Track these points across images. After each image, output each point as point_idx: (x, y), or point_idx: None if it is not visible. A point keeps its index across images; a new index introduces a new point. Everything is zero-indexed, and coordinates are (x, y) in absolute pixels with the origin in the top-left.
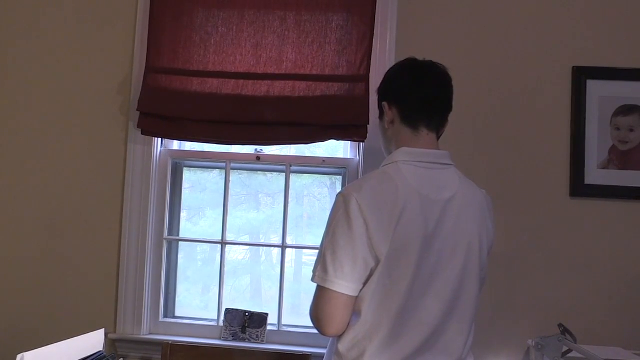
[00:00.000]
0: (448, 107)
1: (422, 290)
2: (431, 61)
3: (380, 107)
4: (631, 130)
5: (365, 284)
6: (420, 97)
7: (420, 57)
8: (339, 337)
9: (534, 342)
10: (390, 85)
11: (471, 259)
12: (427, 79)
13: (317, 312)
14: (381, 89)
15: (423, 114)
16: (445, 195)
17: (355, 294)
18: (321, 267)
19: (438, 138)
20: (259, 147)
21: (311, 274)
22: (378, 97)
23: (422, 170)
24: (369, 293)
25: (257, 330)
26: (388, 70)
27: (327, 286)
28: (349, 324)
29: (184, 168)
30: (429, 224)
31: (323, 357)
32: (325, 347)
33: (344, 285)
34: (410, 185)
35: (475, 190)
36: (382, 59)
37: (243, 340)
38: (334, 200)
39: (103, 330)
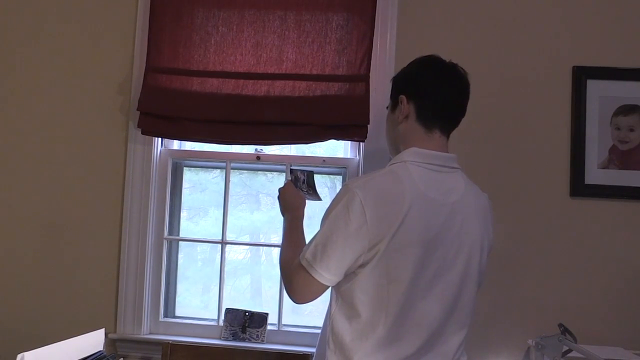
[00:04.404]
0: (463, 113)
1: (423, 293)
2: (455, 64)
3: (394, 98)
4: (631, 130)
5: (354, 278)
6: (441, 99)
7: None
8: (333, 333)
9: (534, 342)
10: (412, 80)
11: (472, 263)
12: (450, 82)
13: (293, 285)
14: (400, 80)
15: (440, 116)
16: (451, 199)
17: (332, 284)
18: (310, 253)
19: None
20: (259, 147)
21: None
22: (393, 87)
23: (430, 172)
24: (363, 289)
25: (257, 330)
26: (410, 63)
27: (309, 272)
28: (344, 320)
29: (184, 168)
30: (433, 228)
31: None
32: None
33: (326, 277)
34: (418, 187)
35: (479, 194)
36: (382, 59)
37: (243, 340)
38: (336, 195)
39: (103, 330)
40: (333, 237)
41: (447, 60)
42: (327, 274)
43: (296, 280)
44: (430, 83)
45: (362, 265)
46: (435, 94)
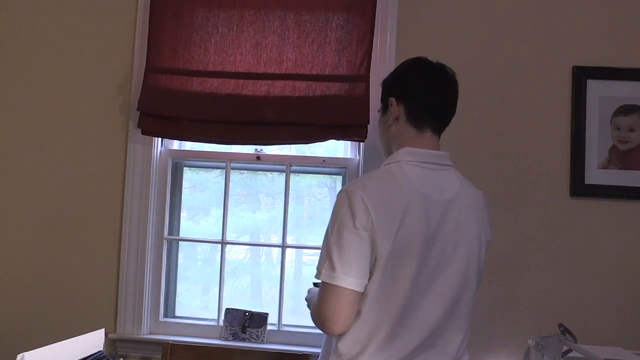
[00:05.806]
0: (454, 112)
1: (423, 290)
2: (442, 64)
3: (384, 101)
4: (631, 130)
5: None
6: (431, 100)
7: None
8: (339, 335)
9: (534, 342)
10: (401, 83)
11: (471, 259)
12: (439, 83)
13: (324, 310)
14: (389, 83)
15: (431, 116)
16: (447, 196)
17: (362, 290)
18: (328, 265)
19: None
20: (259, 147)
21: (315, 272)
22: (383, 90)
23: (424, 170)
24: (371, 292)
25: (257, 330)
26: (399, 66)
27: (335, 283)
28: None
29: (185, 168)
30: (431, 225)
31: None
32: None
33: (352, 281)
34: (414, 185)
35: (474, 191)
36: (382, 59)
37: (243, 340)
38: (335, 199)
39: (103, 330)
40: (346, 238)
41: (435, 61)
42: (352, 277)
43: (325, 302)
44: (417, 84)
45: (372, 265)
46: (423, 95)
